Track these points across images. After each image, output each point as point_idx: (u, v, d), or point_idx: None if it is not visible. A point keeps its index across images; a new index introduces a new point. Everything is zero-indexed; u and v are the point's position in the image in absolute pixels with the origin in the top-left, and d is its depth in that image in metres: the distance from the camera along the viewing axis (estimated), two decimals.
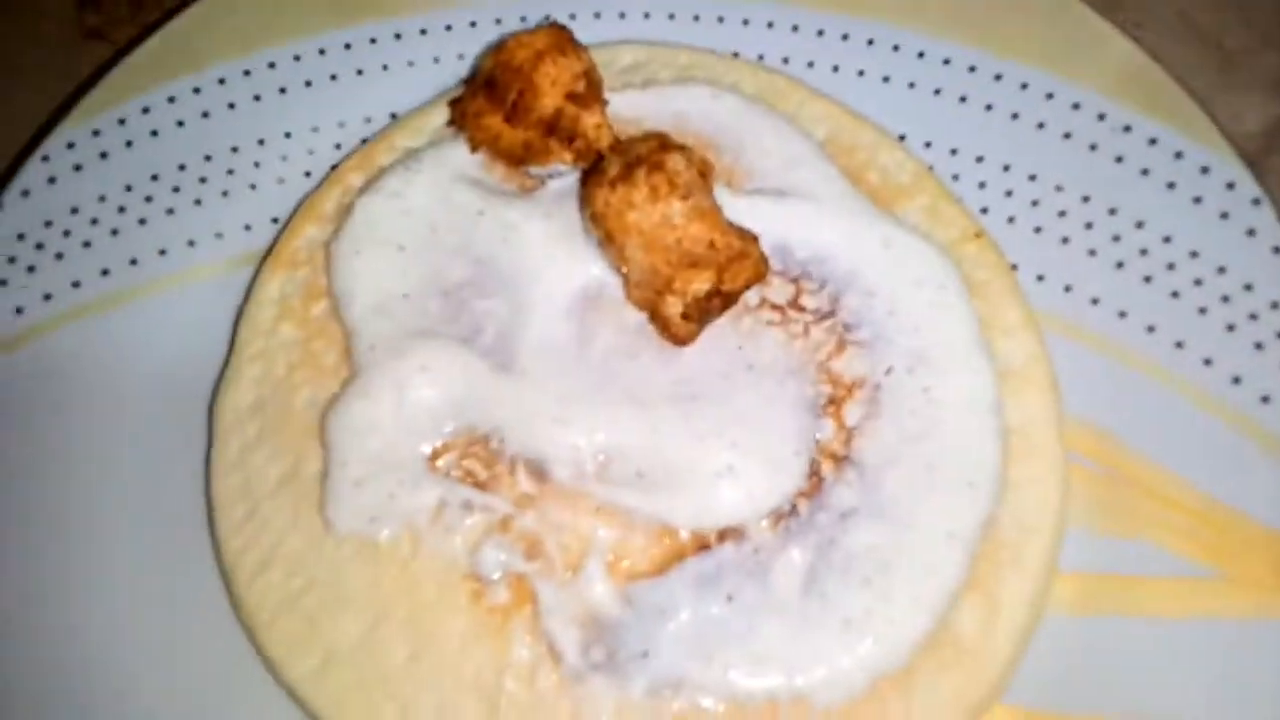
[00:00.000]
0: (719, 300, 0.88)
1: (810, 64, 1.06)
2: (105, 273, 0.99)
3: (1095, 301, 0.93)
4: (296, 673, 0.82)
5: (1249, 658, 0.78)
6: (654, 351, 0.89)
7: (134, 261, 0.99)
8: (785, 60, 1.07)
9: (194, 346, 0.97)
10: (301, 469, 0.88)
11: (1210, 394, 0.88)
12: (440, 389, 0.88)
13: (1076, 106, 0.99)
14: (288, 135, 1.06)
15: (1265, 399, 0.86)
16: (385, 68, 1.09)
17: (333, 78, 1.08)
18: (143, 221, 1.01)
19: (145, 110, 1.05)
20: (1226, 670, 0.78)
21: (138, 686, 0.83)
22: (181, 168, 1.04)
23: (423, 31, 1.10)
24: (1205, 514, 0.85)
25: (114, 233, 1.00)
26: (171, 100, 1.06)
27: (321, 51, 1.09)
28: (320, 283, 0.95)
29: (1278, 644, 0.78)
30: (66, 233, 0.99)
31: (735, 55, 1.07)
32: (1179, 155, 0.95)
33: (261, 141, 1.06)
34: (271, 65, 1.08)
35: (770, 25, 1.08)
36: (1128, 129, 0.97)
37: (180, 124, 1.05)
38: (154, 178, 1.03)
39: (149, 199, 1.02)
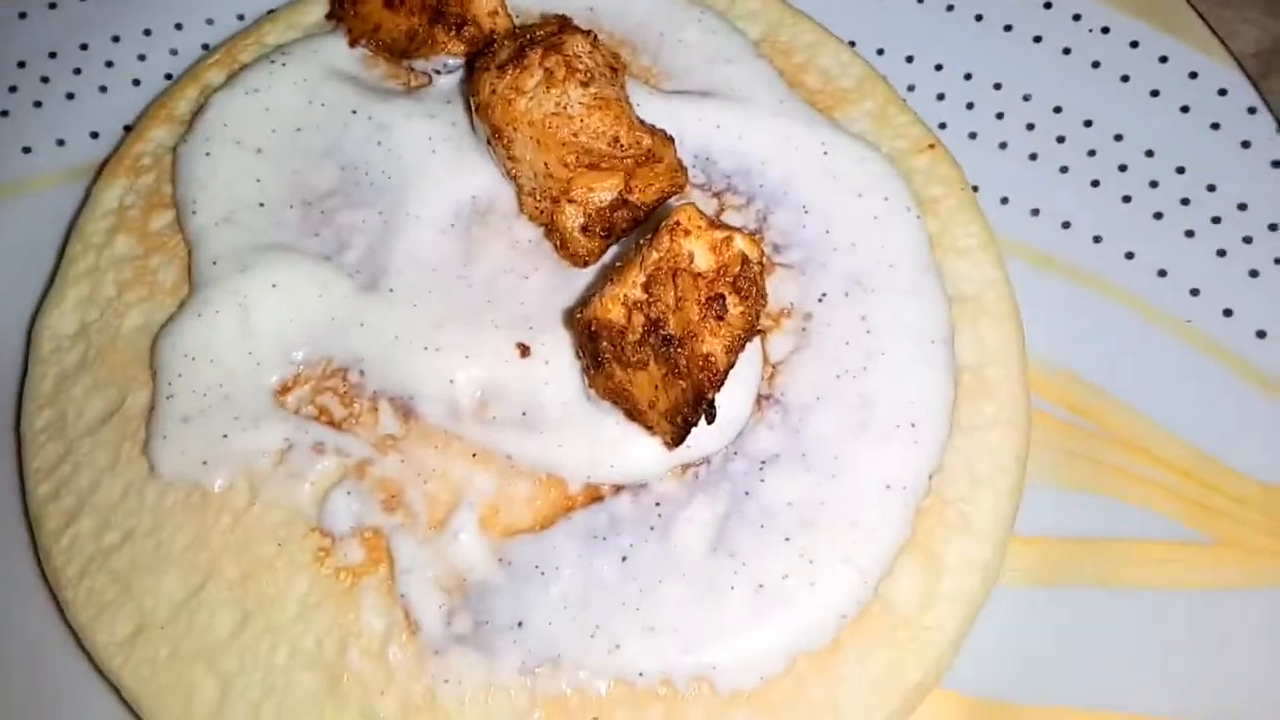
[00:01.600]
0: (626, 212, 0.74)
1: None
2: None
3: (1066, 225, 0.81)
4: (103, 640, 0.69)
5: (1244, 634, 0.65)
6: (549, 272, 0.76)
7: None
8: None
9: (20, 266, 0.83)
10: (127, 403, 0.75)
11: (1198, 329, 0.75)
12: (292, 310, 0.74)
13: (1048, 5, 0.86)
14: (147, 33, 0.93)
15: (1261, 334, 0.74)
16: None
17: None
18: None
19: None
20: (1219, 649, 0.65)
21: None
22: (21, 65, 0.90)
23: None
24: (1193, 469, 0.73)
25: None
26: None
27: None
28: (166, 191, 0.81)
29: (1271, 616, 0.66)
30: None
31: None
32: (1164, 59, 0.83)
33: (116, 38, 0.92)
34: None
35: None
36: (1106, 30, 0.84)
37: (22, 16, 0.92)
38: None
39: None
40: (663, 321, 0.63)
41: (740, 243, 0.64)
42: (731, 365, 0.63)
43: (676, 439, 0.65)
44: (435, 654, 0.67)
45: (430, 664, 0.67)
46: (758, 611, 0.65)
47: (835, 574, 0.66)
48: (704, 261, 0.63)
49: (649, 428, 0.67)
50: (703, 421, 0.63)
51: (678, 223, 0.64)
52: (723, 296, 0.63)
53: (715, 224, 0.64)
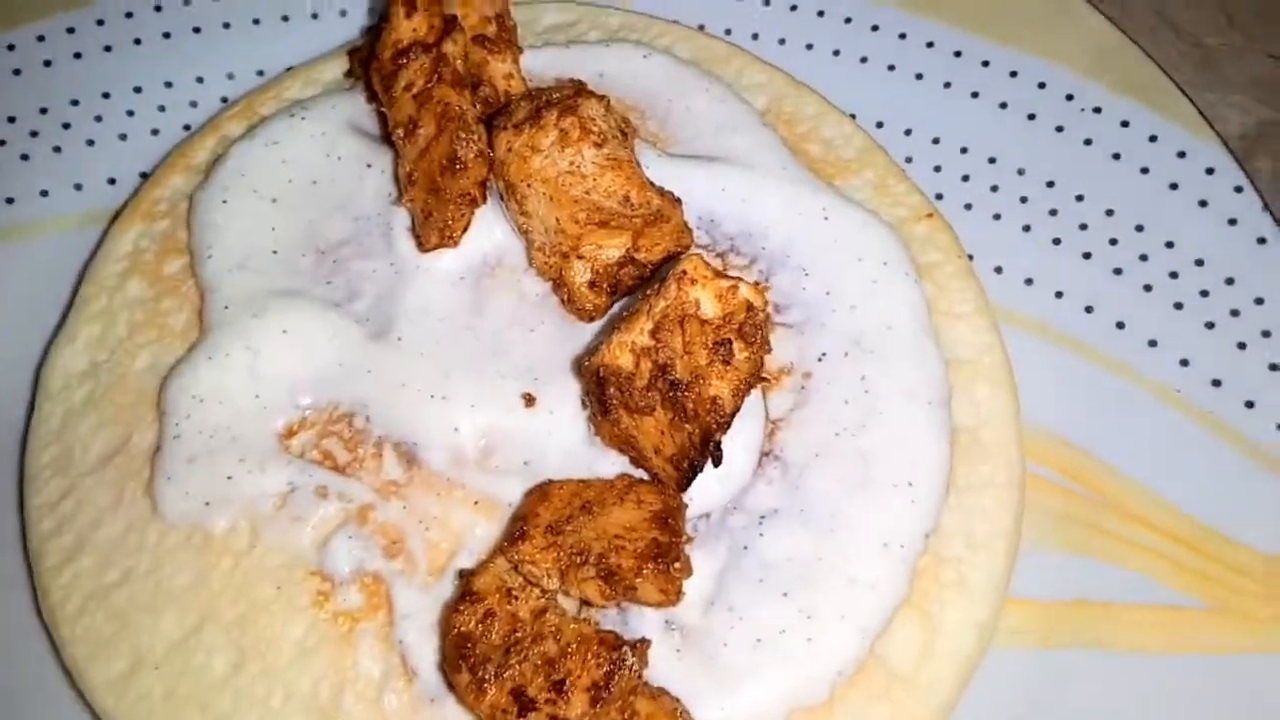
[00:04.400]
0: (632, 269, 0.76)
1: (755, 35, 0.97)
2: None
3: (1059, 295, 0.83)
4: (97, 679, 0.69)
5: (1241, 697, 0.65)
6: (555, 325, 0.77)
7: None
8: (728, 31, 0.97)
9: (33, 306, 0.85)
10: (132, 443, 0.75)
11: (1188, 399, 0.77)
12: (301, 356, 0.75)
13: (1042, 85, 0.89)
14: (168, 85, 0.95)
15: (1249, 404, 0.76)
16: (285, 19, 0.98)
17: (226, 25, 0.97)
18: None
19: (10, 48, 0.94)
20: (1215, 713, 0.65)
21: None
22: (43, 111, 0.92)
23: None
24: (1187, 536, 0.74)
25: None
26: (41, 39, 0.94)
27: None
28: (180, 236, 0.83)
29: (1272, 681, 0.66)
30: None
31: (675, 23, 0.97)
32: (1153, 138, 0.85)
33: (138, 89, 0.95)
34: (158, 8, 0.97)
35: None
36: (1098, 110, 0.87)
37: (47, 64, 0.94)
38: (10, 120, 0.91)
39: (2, 142, 0.91)
40: (670, 366, 0.64)
41: (745, 290, 0.65)
42: (738, 409, 0.64)
43: (683, 484, 0.66)
44: (431, 701, 0.67)
45: (426, 711, 0.66)
46: (755, 666, 0.66)
47: (833, 630, 0.67)
48: (711, 309, 0.65)
49: (654, 474, 0.68)
50: (709, 468, 0.64)
51: (685, 272, 0.66)
52: (730, 341, 0.64)
53: (721, 273, 0.66)
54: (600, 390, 0.67)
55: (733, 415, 0.64)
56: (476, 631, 0.63)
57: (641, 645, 0.62)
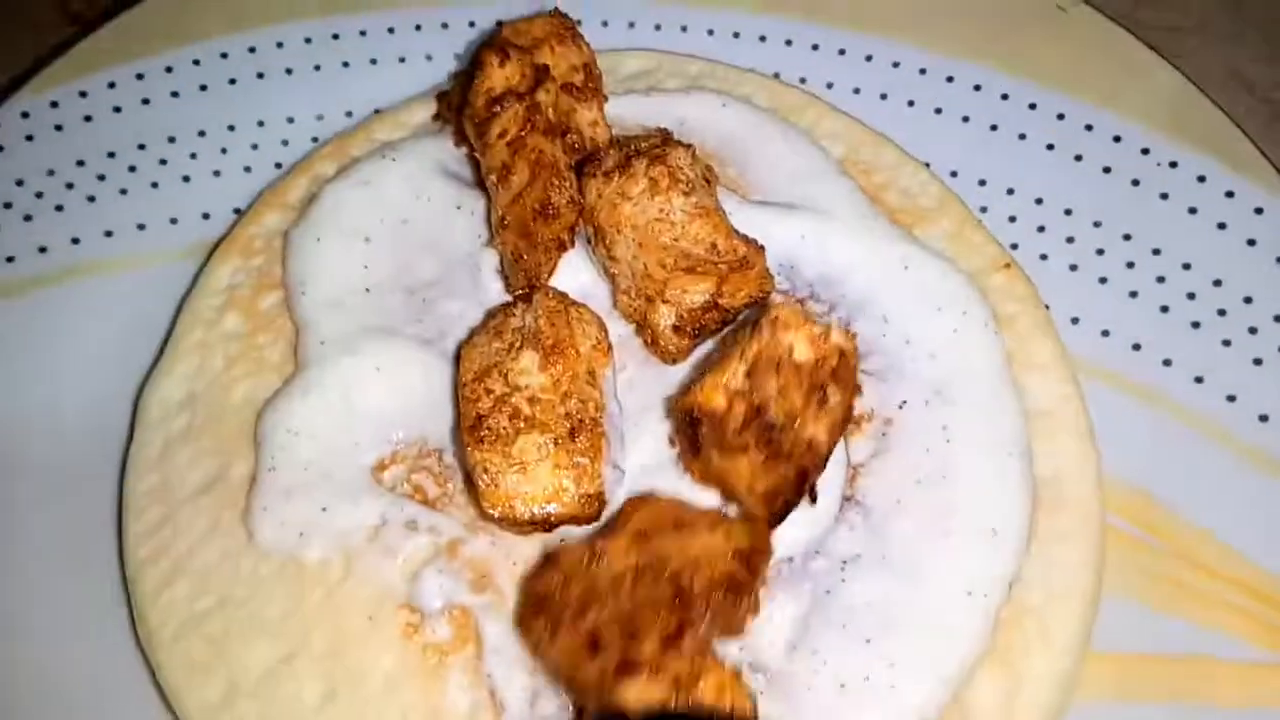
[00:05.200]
0: (715, 314, 0.78)
1: (830, 85, 0.99)
2: (43, 250, 0.90)
3: (1137, 347, 0.83)
4: (193, 703, 0.70)
5: None
6: (639, 367, 0.79)
7: (76, 240, 0.90)
8: (803, 80, 0.99)
9: (131, 337, 0.87)
10: (229, 473, 0.77)
11: (1266, 452, 0.77)
12: (394, 393, 0.77)
13: (1118, 139, 0.91)
14: (260, 124, 0.98)
15: None
16: (374, 62, 1.01)
17: (316, 68, 1.01)
18: (91, 199, 0.92)
19: (111, 85, 0.97)
20: None
21: (17, 703, 0.72)
22: (141, 147, 0.96)
23: (417, 27, 1.03)
24: (1264, 591, 0.73)
25: (58, 209, 0.92)
26: (140, 77, 0.98)
27: (307, 40, 1.01)
28: (275, 273, 0.86)
29: None
30: (8, 205, 0.91)
31: (752, 71, 0.99)
32: (1230, 194, 0.86)
33: (232, 128, 0.98)
34: (251, 50, 1.01)
35: (789, 43, 1.01)
36: (1174, 165, 0.88)
37: (145, 102, 0.97)
38: (110, 155, 0.95)
39: (101, 177, 0.94)
40: (765, 408, 0.66)
41: (837, 335, 0.67)
42: (833, 450, 0.67)
43: (775, 520, 0.68)
44: None
45: None
46: (838, 710, 0.66)
47: (916, 678, 0.67)
48: (803, 353, 0.67)
49: (746, 509, 0.70)
50: (804, 504, 0.66)
51: (778, 317, 0.68)
52: (825, 385, 0.66)
53: (812, 319, 0.68)
54: (692, 430, 0.68)
55: (828, 456, 0.66)
56: (555, 589, 0.65)
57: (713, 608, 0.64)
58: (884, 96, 0.97)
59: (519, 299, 0.76)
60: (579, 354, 0.72)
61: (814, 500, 0.67)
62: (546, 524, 0.69)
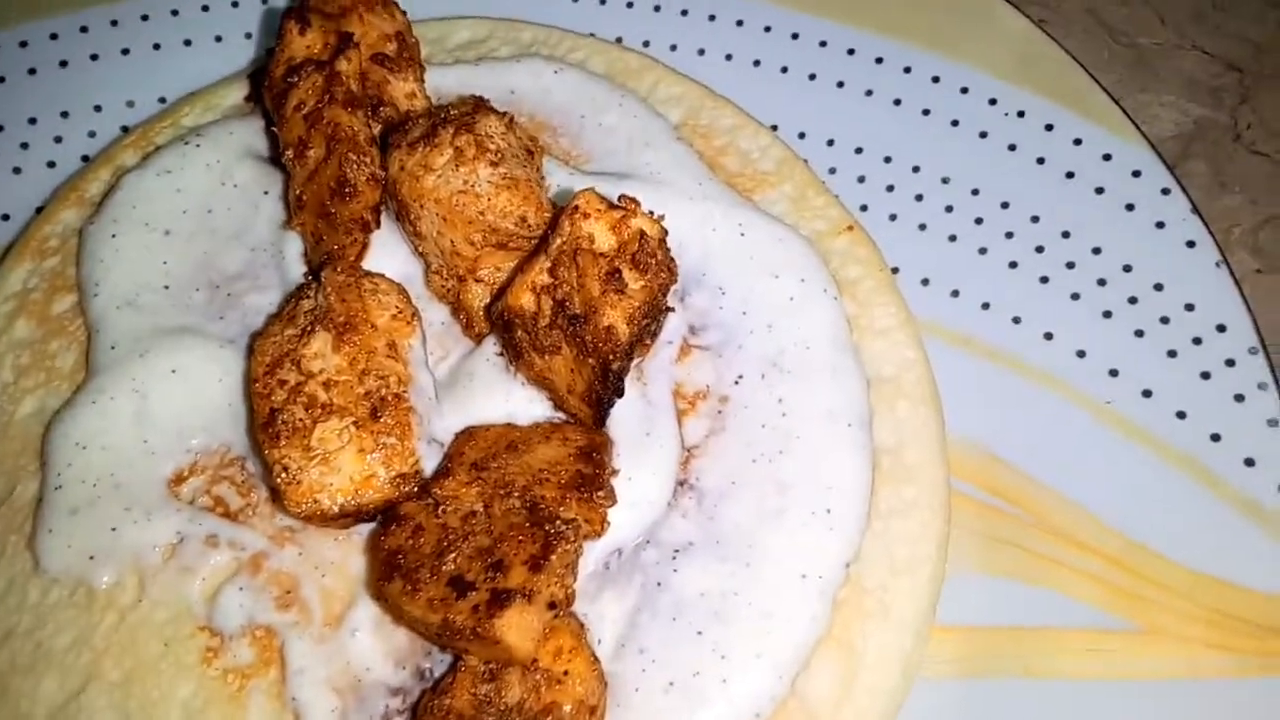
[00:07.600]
0: None
1: (673, 46, 0.94)
2: None
3: (985, 306, 0.80)
4: None
5: None
6: (461, 354, 0.74)
7: None
8: (646, 44, 0.94)
9: None
10: (15, 494, 0.71)
11: (1117, 410, 0.74)
12: (191, 396, 0.72)
13: (965, 90, 0.87)
14: (64, 115, 0.91)
15: (1181, 414, 0.73)
16: (188, 43, 0.95)
17: (124, 52, 0.94)
18: None
19: None
20: None
21: None
22: None
23: (234, 4, 0.96)
24: (1118, 555, 0.71)
25: None
26: None
27: (114, 23, 0.94)
28: (70, 274, 0.79)
29: (1205, 709, 0.63)
30: None
31: (591, 36, 0.94)
32: (1078, 141, 0.83)
33: (33, 120, 0.91)
34: (54, 36, 0.93)
35: (629, 5, 0.96)
36: (1022, 114, 0.85)
37: None
38: None
39: None
40: (568, 301, 0.63)
41: (638, 220, 0.64)
42: (633, 337, 0.64)
43: (598, 420, 0.66)
44: None
45: None
46: (667, 711, 0.62)
47: (749, 669, 0.63)
48: (604, 241, 0.64)
49: (573, 415, 0.68)
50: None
51: (577, 206, 0.65)
52: (619, 271, 0.63)
53: (614, 205, 0.65)
54: (509, 334, 0.66)
55: (630, 344, 0.64)
56: (407, 545, 0.61)
57: (575, 522, 0.61)
58: (729, 57, 0.93)
59: (310, 280, 0.71)
60: (375, 328, 0.67)
61: (620, 393, 0.64)
62: (360, 515, 0.64)
